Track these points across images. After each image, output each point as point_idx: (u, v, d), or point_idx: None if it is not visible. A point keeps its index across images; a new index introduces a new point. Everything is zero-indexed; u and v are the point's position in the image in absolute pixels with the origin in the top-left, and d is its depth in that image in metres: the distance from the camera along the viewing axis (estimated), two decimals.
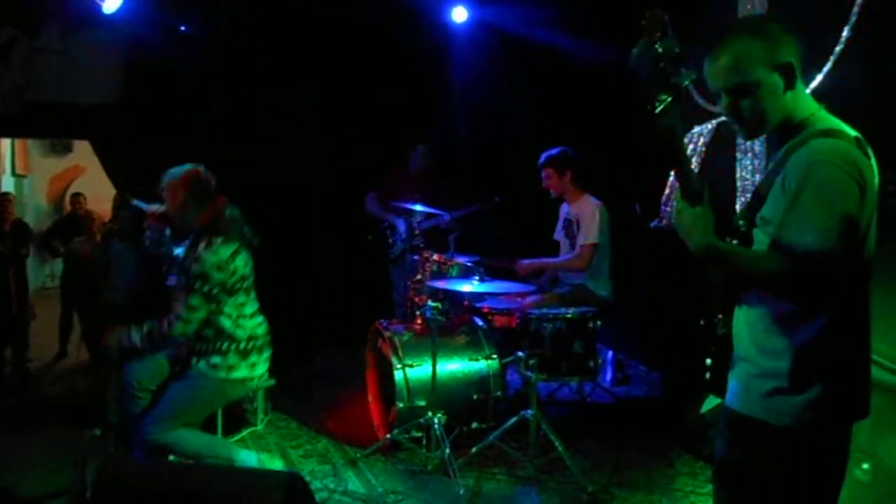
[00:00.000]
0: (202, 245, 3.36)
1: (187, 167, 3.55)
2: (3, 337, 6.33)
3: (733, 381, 1.86)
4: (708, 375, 1.90)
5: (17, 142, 11.69)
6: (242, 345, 3.44)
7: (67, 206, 9.01)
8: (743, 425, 1.82)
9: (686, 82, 1.70)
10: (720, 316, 1.90)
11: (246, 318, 3.48)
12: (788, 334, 1.74)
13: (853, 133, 1.77)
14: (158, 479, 2.37)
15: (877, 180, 1.75)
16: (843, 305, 1.73)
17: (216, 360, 3.41)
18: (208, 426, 4.26)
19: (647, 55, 1.71)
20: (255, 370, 3.51)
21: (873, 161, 1.76)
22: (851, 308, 1.76)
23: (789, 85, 1.78)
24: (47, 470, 3.88)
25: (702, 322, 1.90)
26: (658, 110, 1.69)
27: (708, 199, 1.79)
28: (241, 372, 3.44)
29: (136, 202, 3.76)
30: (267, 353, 3.58)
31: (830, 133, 1.73)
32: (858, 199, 1.66)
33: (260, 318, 3.57)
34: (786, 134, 1.82)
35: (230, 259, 3.37)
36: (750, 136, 1.89)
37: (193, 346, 3.46)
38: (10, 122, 6.19)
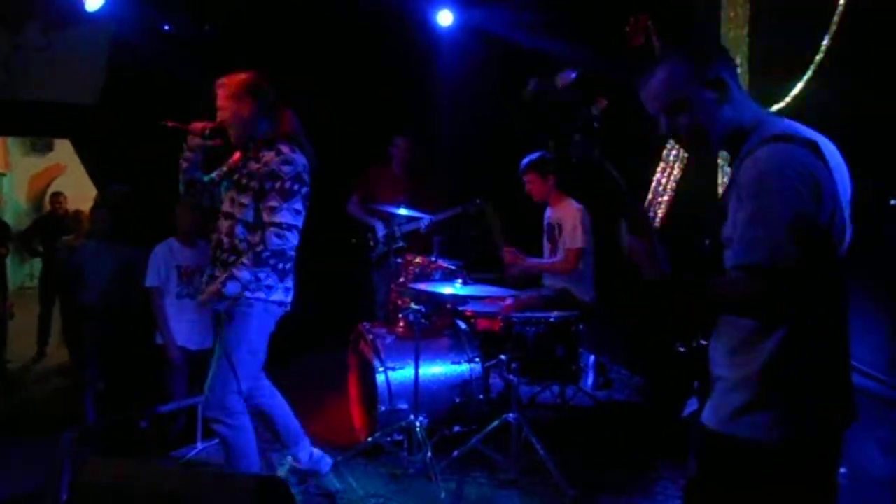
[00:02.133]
0: (283, 149, 3.16)
1: (243, 73, 3.26)
2: None
3: (709, 399, 1.82)
4: (697, 399, 1.88)
5: None
6: (282, 264, 3.19)
7: (47, 206, 8.94)
8: (716, 442, 1.77)
9: (595, 112, 1.71)
10: (703, 341, 1.88)
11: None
12: (756, 347, 1.69)
13: (809, 137, 1.70)
14: (135, 481, 2.35)
15: (841, 184, 1.70)
16: (807, 314, 1.66)
17: (251, 281, 3.12)
18: (188, 431, 4.25)
19: (543, 97, 1.72)
20: (289, 295, 3.29)
21: (836, 164, 1.71)
22: (818, 316, 1.69)
23: (724, 98, 1.79)
24: (25, 471, 3.84)
25: (681, 349, 1.88)
26: (574, 147, 1.68)
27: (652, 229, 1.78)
28: (277, 294, 3.21)
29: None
30: (292, 281, 3.32)
31: (781, 137, 1.68)
32: (811, 206, 1.60)
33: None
34: (735, 144, 1.80)
35: (307, 167, 3.21)
36: (696, 153, 1.89)
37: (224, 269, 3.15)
38: None
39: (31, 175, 12.64)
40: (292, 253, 3.26)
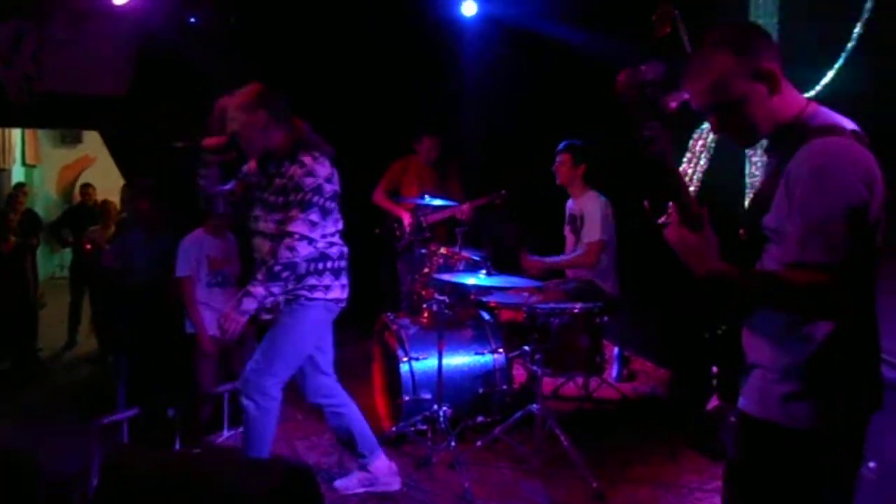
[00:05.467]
0: (306, 160, 3.18)
1: (250, 86, 3.27)
2: (16, 326, 6.39)
3: (749, 387, 1.83)
4: (715, 382, 1.88)
5: (28, 132, 11.75)
6: (335, 263, 3.32)
7: (77, 197, 9.07)
8: (760, 430, 1.79)
9: (674, 105, 1.67)
10: (723, 327, 1.87)
11: (337, 236, 3.36)
12: (805, 338, 1.71)
13: (850, 126, 1.71)
14: (164, 468, 2.38)
15: (879, 174, 1.68)
16: (855, 306, 1.69)
17: (312, 281, 3.25)
18: (215, 419, 4.31)
19: (632, 82, 1.67)
20: (345, 291, 3.40)
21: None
22: (863, 307, 1.73)
23: (774, 89, 1.74)
24: (56, 458, 3.91)
25: (706, 335, 1.86)
26: (646, 139, 1.64)
27: (708, 221, 1.72)
28: (335, 292, 3.34)
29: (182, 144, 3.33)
30: (347, 278, 3.43)
31: (830, 130, 1.68)
32: (867, 201, 1.61)
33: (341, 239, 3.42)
34: (779, 134, 1.78)
35: (333, 173, 3.24)
36: (744, 145, 1.84)
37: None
38: (20, 113, 6.22)
39: (61, 167, 12.81)
40: (331, 253, 3.32)
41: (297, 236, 3.13)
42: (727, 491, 1.95)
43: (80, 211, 7.88)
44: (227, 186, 3.45)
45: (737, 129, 1.79)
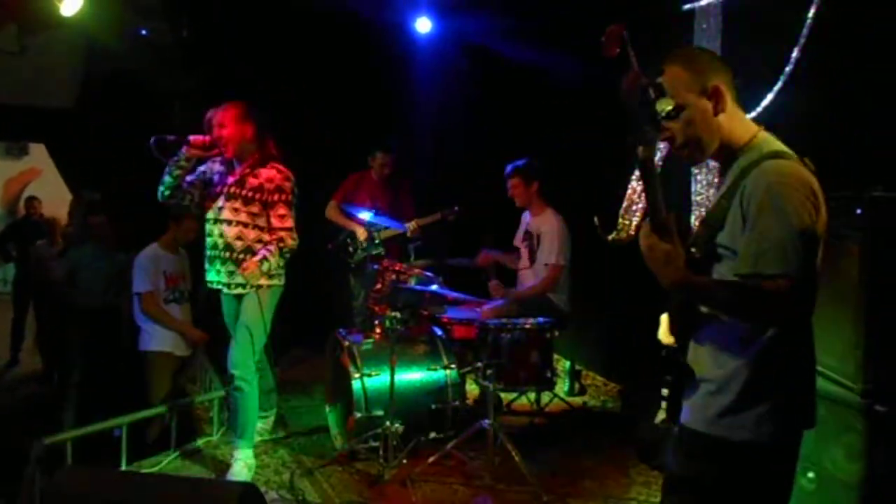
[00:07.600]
0: (282, 168, 3.88)
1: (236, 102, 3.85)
2: None
3: (690, 401, 1.87)
4: (664, 404, 1.92)
5: None
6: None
7: (21, 210, 8.83)
8: (700, 442, 1.83)
9: (667, 109, 1.75)
10: (667, 349, 1.92)
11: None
12: (743, 350, 1.77)
13: (794, 154, 1.81)
14: (109, 490, 2.34)
15: (822, 196, 1.77)
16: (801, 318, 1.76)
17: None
18: (163, 437, 4.23)
19: (636, 86, 1.74)
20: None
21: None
22: (804, 323, 1.79)
23: (719, 108, 1.84)
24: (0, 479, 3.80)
25: (663, 353, 1.92)
26: (642, 142, 1.70)
27: (676, 231, 1.77)
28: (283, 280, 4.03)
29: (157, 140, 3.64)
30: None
31: (780, 154, 1.78)
32: (815, 220, 1.70)
33: None
34: (730, 157, 1.87)
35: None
36: (690, 159, 1.91)
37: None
38: None
39: (6, 179, 12.48)
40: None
41: (293, 229, 3.86)
42: (666, 501, 1.99)
43: (25, 225, 7.68)
44: (189, 180, 3.88)
45: (681, 140, 1.87)
